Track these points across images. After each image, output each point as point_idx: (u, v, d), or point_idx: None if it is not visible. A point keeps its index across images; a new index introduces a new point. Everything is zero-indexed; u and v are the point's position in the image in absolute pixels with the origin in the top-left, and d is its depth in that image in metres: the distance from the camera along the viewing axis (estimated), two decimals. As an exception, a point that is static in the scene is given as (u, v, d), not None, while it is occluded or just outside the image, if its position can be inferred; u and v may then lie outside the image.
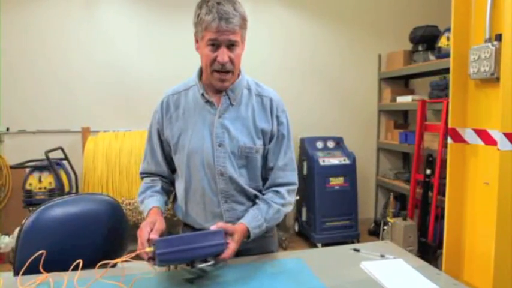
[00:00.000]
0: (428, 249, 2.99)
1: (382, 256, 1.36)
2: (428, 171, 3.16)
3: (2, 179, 3.52)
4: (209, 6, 1.17)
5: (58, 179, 3.01)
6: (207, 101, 1.29)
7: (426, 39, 3.65)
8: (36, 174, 3.03)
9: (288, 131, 1.36)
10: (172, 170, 1.40)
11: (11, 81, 3.52)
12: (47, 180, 3.01)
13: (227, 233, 1.15)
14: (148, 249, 1.06)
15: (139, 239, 1.11)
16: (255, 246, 1.34)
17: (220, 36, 1.17)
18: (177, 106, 1.32)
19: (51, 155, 3.10)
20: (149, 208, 1.27)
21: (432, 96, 3.42)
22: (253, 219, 1.26)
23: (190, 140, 1.28)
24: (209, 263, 1.10)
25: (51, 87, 3.59)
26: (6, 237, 3.33)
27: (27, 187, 3.01)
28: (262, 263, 1.29)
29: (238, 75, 1.32)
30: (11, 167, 3.31)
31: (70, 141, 3.57)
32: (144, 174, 1.42)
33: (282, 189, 1.33)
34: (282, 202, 1.32)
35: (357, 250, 1.42)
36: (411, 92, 4.10)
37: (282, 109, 1.36)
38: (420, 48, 3.73)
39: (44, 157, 2.99)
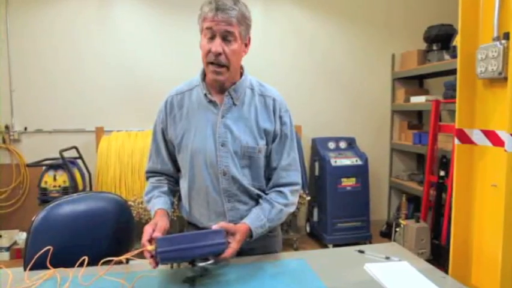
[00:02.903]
0: (442, 252, 2.93)
1: (387, 258, 1.34)
2: (442, 173, 3.11)
3: (20, 177, 3.63)
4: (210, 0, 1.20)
5: (72, 177, 3.07)
6: (210, 101, 1.30)
7: (441, 38, 3.58)
8: (51, 173, 3.09)
9: (291, 131, 1.36)
10: (178, 168, 1.41)
11: (28, 82, 3.61)
12: (62, 178, 3.07)
13: (229, 233, 1.16)
14: (150, 247, 1.07)
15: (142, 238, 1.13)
16: (258, 246, 1.34)
17: (215, 26, 1.18)
18: (180, 106, 1.34)
19: (67, 154, 3.17)
20: (155, 209, 1.28)
21: (447, 97, 3.36)
22: (256, 219, 1.26)
23: (193, 140, 1.29)
24: (209, 262, 1.11)
25: (66, 88, 3.67)
26: (24, 233, 3.43)
27: (43, 185, 3.08)
28: (264, 262, 1.30)
29: (241, 75, 1.33)
30: (27, 165, 3.40)
31: (84, 140, 3.65)
32: (150, 173, 1.44)
33: (285, 190, 1.33)
34: (285, 202, 1.32)
35: (361, 252, 1.41)
36: (425, 92, 4.03)
37: (285, 109, 1.36)
38: (435, 47, 3.66)
39: (59, 156, 3.07)
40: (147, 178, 1.45)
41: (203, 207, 1.33)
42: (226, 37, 1.20)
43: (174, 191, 1.43)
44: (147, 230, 1.13)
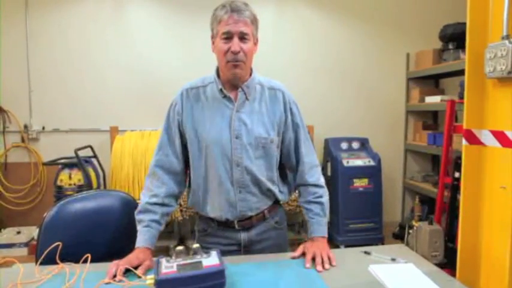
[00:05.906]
0: (456, 256, 2.87)
1: (393, 260, 1.33)
2: (456, 174, 3.04)
3: (38, 175, 3.73)
4: (223, 4, 1.30)
5: (87, 176, 3.12)
6: (225, 96, 1.36)
7: (457, 37, 3.51)
8: (66, 171, 3.15)
9: (301, 119, 1.45)
10: (187, 164, 1.43)
11: (46, 82, 3.71)
12: (77, 177, 3.13)
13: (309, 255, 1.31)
14: (149, 282, 1.04)
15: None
16: (265, 238, 1.43)
17: (233, 28, 1.26)
18: (196, 99, 1.38)
19: (82, 153, 3.24)
20: (140, 245, 1.29)
21: (462, 97, 3.29)
22: (318, 225, 1.44)
23: (209, 133, 1.34)
24: None
25: (82, 89, 3.75)
26: (41, 230, 3.51)
27: (59, 183, 3.15)
28: (268, 261, 1.30)
29: (251, 74, 1.39)
30: (43, 164, 3.48)
31: (99, 140, 3.72)
32: (157, 168, 1.40)
33: (314, 179, 1.45)
34: (322, 191, 1.47)
35: (367, 253, 1.40)
36: (441, 92, 3.96)
37: (294, 101, 1.45)
38: (450, 46, 3.59)
39: (74, 155, 3.13)
40: (151, 174, 1.41)
41: (215, 197, 1.37)
42: (242, 37, 1.28)
43: (166, 215, 1.40)
44: (114, 267, 1.16)
